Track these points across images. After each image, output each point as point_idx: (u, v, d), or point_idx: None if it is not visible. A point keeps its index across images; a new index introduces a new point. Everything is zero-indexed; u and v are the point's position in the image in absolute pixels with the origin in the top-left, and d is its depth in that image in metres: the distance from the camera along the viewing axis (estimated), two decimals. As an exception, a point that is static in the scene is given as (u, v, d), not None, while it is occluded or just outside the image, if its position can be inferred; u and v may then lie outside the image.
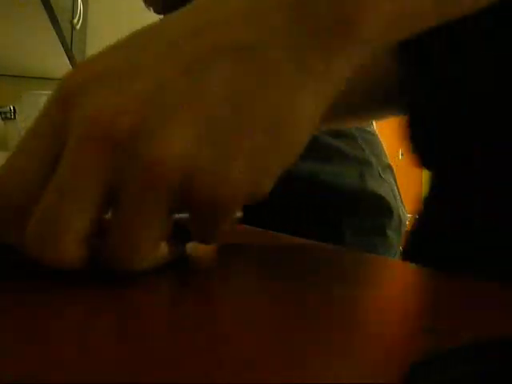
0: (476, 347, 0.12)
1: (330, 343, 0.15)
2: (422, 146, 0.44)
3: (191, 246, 0.33)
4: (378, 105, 0.57)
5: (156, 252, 0.22)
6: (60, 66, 1.98)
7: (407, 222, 0.92)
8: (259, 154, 0.21)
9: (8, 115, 1.43)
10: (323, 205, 0.86)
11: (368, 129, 0.96)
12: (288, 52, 0.21)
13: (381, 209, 0.88)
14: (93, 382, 0.11)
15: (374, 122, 1.01)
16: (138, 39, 0.23)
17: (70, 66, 2.00)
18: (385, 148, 0.99)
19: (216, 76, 0.20)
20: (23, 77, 2.21)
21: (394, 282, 0.26)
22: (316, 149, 0.86)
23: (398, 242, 0.89)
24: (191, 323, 0.16)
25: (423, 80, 0.44)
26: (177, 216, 0.23)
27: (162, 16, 0.80)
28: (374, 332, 0.16)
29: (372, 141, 0.95)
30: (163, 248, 0.23)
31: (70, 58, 1.98)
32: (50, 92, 0.23)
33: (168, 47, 0.21)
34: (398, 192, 0.95)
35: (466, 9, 0.25)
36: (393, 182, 0.95)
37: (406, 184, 1.82)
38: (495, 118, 0.37)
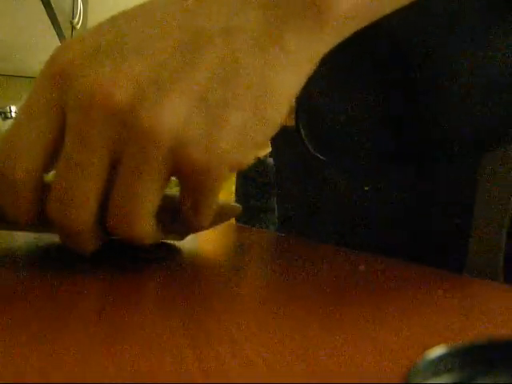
0: (476, 347, 0.12)
1: (330, 343, 0.15)
2: None
3: (190, 247, 0.33)
4: None
5: (152, 218, 0.23)
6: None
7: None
8: (244, 126, 0.23)
9: (8, 115, 1.43)
10: None
11: None
12: (266, 35, 0.24)
13: None
14: (92, 381, 0.11)
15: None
16: (127, 19, 0.24)
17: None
18: None
19: (205, 56, 0.23)
20: (23, 77, 2.21)
21: (388, 279, 0.26)
22: None
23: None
24: (188, 321, 0.16)
25: None
26: (168, 192, 0.24)
27: None
28: (375, 332, 0.16)
29: None
30: (154, 224, 0.24)
31: (70, 57, 1.98)
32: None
33: (160, 28, 0.23)
34: None
35: None
36: None
37: None
38: None
